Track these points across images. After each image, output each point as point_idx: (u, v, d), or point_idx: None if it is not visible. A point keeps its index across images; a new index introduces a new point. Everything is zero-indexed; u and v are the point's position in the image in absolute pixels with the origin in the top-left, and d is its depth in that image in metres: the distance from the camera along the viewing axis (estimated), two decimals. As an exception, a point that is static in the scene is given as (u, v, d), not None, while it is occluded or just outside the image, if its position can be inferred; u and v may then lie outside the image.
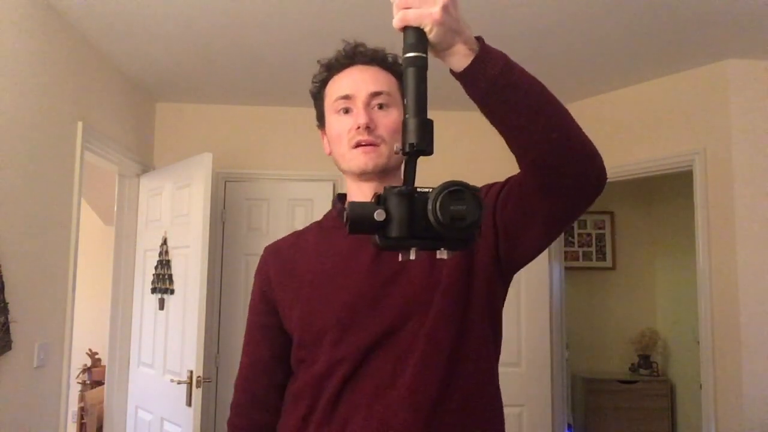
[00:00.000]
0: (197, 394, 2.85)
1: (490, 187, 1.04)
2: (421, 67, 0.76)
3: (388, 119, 1.06)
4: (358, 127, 1.04)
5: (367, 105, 1.06)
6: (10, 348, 2.14)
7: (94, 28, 2.68)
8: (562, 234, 4.13)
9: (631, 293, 5.17)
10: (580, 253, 5.19)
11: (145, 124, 3.59)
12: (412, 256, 0.72)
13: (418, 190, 0.73)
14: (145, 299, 3.37)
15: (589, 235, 5.22)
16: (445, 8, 0.76)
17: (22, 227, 2.26)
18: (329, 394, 1.01)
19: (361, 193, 1.09)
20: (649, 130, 3.26)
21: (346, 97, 1.07)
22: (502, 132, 0.86)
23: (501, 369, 1.09)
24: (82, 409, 4.49)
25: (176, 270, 3.15)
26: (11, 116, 2.19)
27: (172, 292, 3.16)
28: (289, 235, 1.21)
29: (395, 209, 0.72)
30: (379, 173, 1.06)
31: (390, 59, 1.11)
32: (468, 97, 0.85)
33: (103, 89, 3.01)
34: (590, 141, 0.87)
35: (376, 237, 0.73)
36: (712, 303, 2.94)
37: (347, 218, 0.72)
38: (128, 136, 3.32)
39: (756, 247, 2.84)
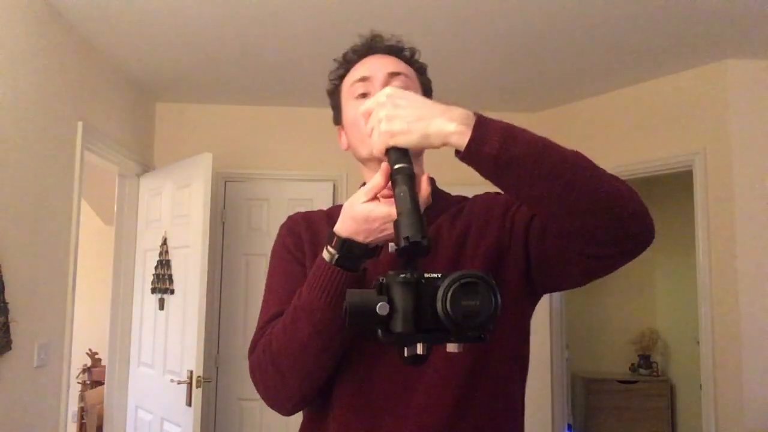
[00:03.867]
0: (197, 394, 2.85)
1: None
2: (406, 175, 0.74)
3: None
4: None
5: (386, 85, 0.96)
6: (10, 348, 2.14)
7: (94, 28, 2.68)
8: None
9: (631, 293, 5.16)
10: (580, 253, 5.19)
11: (145, 124, 3.59)
12: (420, 351, 0.67)
13: (425, 276, 0.67)
14: (145, 299, 3.37)
15: (589, 235, 5.21)
16: (388, 118, 0.76)
17: (23, 227, 2.26)
18: (335, 392, 0.93)
19: None
20: (649, 130, 3.26)
21: (364, 79, 1.00)
22: (524, 203, 0.79)
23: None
24: (82, 409, 4.50)
25: (176, 270, 3.15)
26: (11, 116, 2.19)
27: (172, 292, 3.16)
28: (316, 210, 1.13)
29: (400, 301, 0.66)
30: None
31: (407, 53, 1.06)
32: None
33: (103, 89, 3.01)
34: (635, 197, 0.78)
35: (378, 331, 0.67)
36: (712, 303, 2.94)
37: (345, 310, 0.67)
38: (128, 136, 3.32)
39: (756, 246, 2.84)
